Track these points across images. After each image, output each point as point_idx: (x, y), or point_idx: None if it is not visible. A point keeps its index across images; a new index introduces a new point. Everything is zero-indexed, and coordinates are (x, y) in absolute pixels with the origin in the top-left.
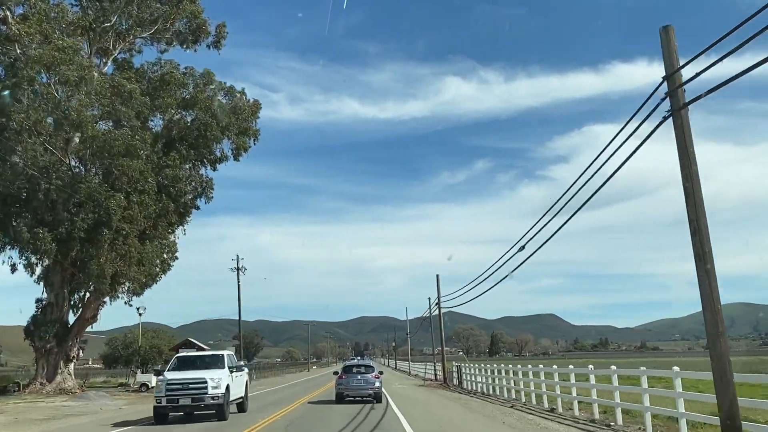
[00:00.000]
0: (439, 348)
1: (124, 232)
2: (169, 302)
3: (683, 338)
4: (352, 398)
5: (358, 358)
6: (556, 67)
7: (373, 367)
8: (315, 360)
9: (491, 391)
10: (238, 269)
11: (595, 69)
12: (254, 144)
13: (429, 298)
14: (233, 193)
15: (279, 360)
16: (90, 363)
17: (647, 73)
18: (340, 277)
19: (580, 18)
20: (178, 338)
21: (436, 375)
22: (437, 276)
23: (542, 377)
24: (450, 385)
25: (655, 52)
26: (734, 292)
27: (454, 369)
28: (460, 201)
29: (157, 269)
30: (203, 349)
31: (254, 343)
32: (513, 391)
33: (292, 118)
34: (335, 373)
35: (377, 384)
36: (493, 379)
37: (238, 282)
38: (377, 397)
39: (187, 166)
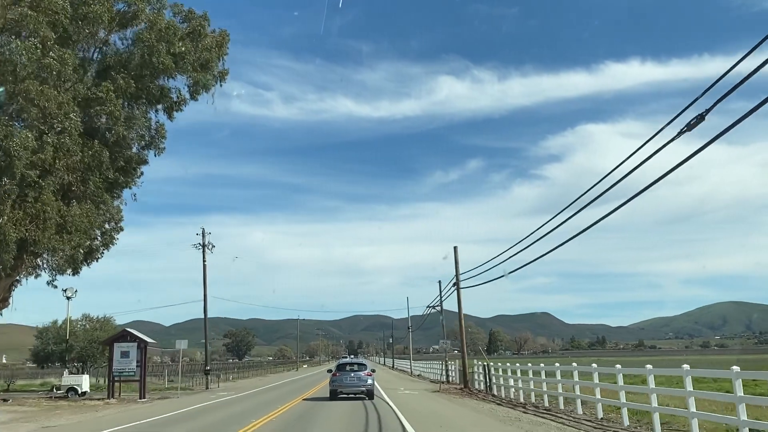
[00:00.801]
0: (448, 343)
1: (35, 185)
2: (163, 302)
3: (677, 336)
4: (345, 395)
5: (352, 356)
6: (550, 67)
7: (365, 365)
8: (307, 358)
9: (544, 402)
10: (204, 246)
11: (588, 68)
12: (221, 86)
13: (439, 282)
14: (228, 192)
15: (270, 358)
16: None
17: (641, 72)
18: (334, 276)
19: (574, 17)
20: (171, 337)
21: (448, 377)
22: (455, 248)
23: (653, 383)
24: (472, 390)
25: (648, 52)
26: (726, 291)
27: (480, 370)
28: (454, 200)
29: (97, 241)
30: (144, 342)
31: (246, 341)
32: (598, 407)
33: (285, 116)
34: (329, 371)
35: (369, 381)
36: (544, 385)
37: (204, 261)
38: (369, 394)
39: (137, 107)
